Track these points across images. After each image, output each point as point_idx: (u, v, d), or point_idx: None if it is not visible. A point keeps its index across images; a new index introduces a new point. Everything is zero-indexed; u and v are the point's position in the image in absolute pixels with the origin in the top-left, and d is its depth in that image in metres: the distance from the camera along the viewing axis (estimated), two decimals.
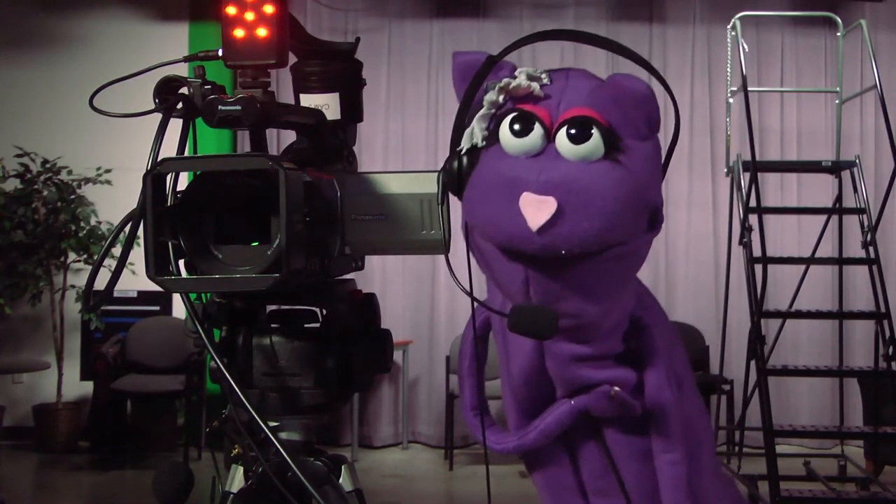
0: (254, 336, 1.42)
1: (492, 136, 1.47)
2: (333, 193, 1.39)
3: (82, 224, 6.29)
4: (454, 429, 6.22)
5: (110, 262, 1.30)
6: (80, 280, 6.39)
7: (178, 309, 6.58)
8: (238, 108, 1.24)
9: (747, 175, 4.89)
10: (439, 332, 6.72)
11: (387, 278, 6.72)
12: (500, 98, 1.48)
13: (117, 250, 1.27)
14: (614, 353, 1.61)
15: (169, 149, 1.24)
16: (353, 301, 1.48)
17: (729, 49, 5.44)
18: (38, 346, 6.62)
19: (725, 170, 5.60)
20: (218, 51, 1.32)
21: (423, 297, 6.79)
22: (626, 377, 1.60)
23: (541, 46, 6.21)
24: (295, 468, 1.21)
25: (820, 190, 6.27)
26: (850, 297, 5.98)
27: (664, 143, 1.54)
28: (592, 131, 1.42)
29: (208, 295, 1.39)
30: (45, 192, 6.31)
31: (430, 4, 6.94)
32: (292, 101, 1.50)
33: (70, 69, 6.53)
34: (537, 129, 1.44)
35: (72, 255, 6.32)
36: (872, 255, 4.87)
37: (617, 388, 1.57)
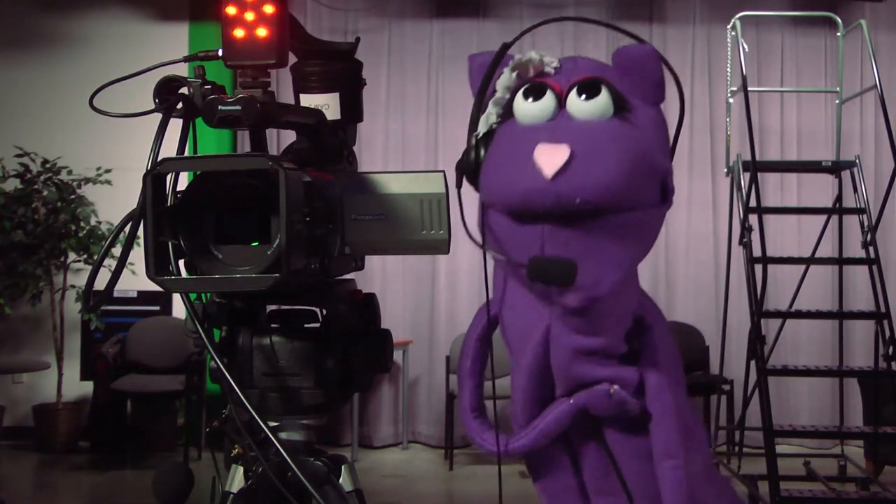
0: (254, 336, 1.42)
1: (506, 114, 1.51)
2: (333, 193, 1.39)
3: (82, 224, 6.29)
4: (454, 429, 6.22)
5: (110, 262, 1.30)
6: (80, 280, 6.38)
7: (178, 309, 6.58)
8: (238, 108, 1.24)
9: (747, 175, 4.89)
10: (439, 332, 6.72)
11: (387, 278, 6.72)
12: (514, 76, 1.52)
13: (117, 250, 1.27)
14: (619, 351, 1.61)
15: (169, 149, 1.24)
16: (353, 301, 1.48)
17: (729, 49, 5.44)
18: (38, 346, 6.62)
19: (725, 170, 5.59)
20: (218, 51, 1.32)
21: (423, 297, 6.79)
22: (627, 376, 1.60)
23: (542, 43, 6.21)
24: (295, 468, 1.21)
25: (820, 190, 6.27)
26: (850, 297, 5.98)
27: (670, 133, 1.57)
28: (602, 90, 1.46)
29: (208, 295, 1.39)
30: (45, 192, 6.31)
31: (430, 4, 6.94)
32: (292, 101, 1.50)
33: (70, 69, 6.53)
34: (549, 95, 1.48)
35: (72, 255, 6.32)
36: (872, 255, 4.87)
37: (616, 387, 1.58)
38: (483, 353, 1.75)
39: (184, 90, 1.28)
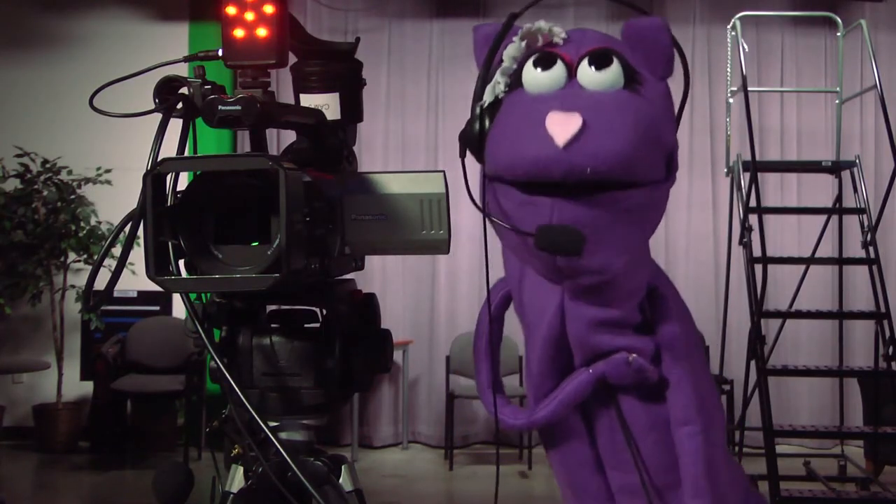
0: (254, 336, 1.42)
1: (514, 84, 1.50)
2: (333, 193, 1.39)
3: (82, 224, 6.29)
4: (454, 429, 6.23)
5: (110, 262, 1.30)
6: (80, 280, 6.38)
7: (178, 309, 6.58)
8: (238, 108, 1.24)
9: (747, 175, 4.89)
10: (439, 332, 6.72)
11: (387, 278, 6.72)
12: (523, 45, 1.51)
13: (117, 250, 1.27)
14: (634, 321, 1.61)
15: (169, 149, 1.24)
16: (353, 301, 1.48)
17: (729, 49, 5.44)
18: (38, 346, 6.62)
19: (725, 170, 5.59)
20: (218, 51, 1.32)
21: (423, 297, 6.79)
22: (643, 345, 1.60)
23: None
24: (295, 468, 1.21)
25: (820, 190, 6.27)
26: (850, 297, 5.98)
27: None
28: (612, 60, 1.46)
29: (208, 295, 1.39)
30: (45, 192, 6.31)
31: (430, 4, 6.94)
32: (292, 101, 1.50)
33: (70, 69, 6.53)
34: (559, 65, 1.48)
35: (72, 255, 6.32)
36: (872, 255, 4.87)
37: (634, 355, 1.57)
38: (496, 332, 1.75)
39: (184, 90, 1.28)
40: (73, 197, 6.36)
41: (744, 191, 4.96)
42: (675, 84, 1.60)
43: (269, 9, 1.28)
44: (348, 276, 1.51)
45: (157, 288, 1.23)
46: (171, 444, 6.30)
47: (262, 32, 1.29)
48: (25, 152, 6.33)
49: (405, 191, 1.41)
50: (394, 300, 6.63)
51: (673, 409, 1.63)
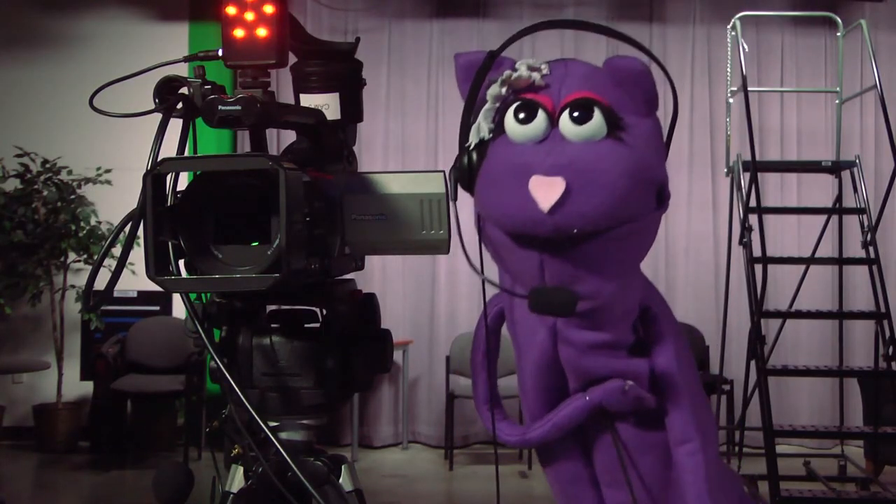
0: (254, 336, 1.42)
1: (498, 128, 1.51)
2: (333, 193, 1.39)
3: (82, 224, 6.29)
4: (454, 429, 6.23)
5: (110, 262, 1.30)
6: (80, 280, 6.38)
7: (178, 309, 6.58)
8: (238, 108, 1.24)
9: (747, 175, 4.89)
10: (439, 332, 6.72)
11: (387, 278, 6.72)
12: (503, 91, 1.51)
13: (117, 250, 1.27)
14: (627, 343, 1.61)
15: (169, 149, 1.24)
16: (353, 301, 1.48)
17: (729, 49, 5.44)
18: (38, 346, 6.62)
19: (725, 170, 5.59)
20: (218, 51, 1.32)
21: (423, 297, 6.79)
22: (638, 367, 1.60)
23: (541, 43, 6.22)
24: (295, 468, 1.21)
25: (820, 190, 6.27)
26: (850, 297, 5.98)
27: (664, 127, 1.56)
28: (594, 111, 1.45)
29: (208, 295, 1.39)
30: (45, 192, 6.31)
31: (430, 4, 6.94)
32: (292, 101, 1.50)
33: (70, 69, 6.53)
34: (541, 115, 1.47)
35: (72, 255, 6.32)
36: (872, 255, 4.87)
37: (630, 382, 1.57)
38: (493, 344, 1.75)
39: (184, 90, 1.28)
40: (73, 197, 6.36)
41: (744, 191, 4.96)
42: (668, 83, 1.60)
43: (269, 9, 1.28)
44: (348, 276, 1.51)
45: (157, 288, 1.23)
46: (171, 444, 6.30)
47: (262, 32, 1.29)
48: (25, 152, 6.33)
49: (405, 191, 1.41)
50: (394, 300, 6.63)
51: (671, 428, 1.63)
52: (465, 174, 1.50)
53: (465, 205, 1.58)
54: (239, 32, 1.29)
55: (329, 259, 1.38)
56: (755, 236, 4.69)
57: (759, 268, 4.62)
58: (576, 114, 1.46)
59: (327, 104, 1.49)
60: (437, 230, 1.41)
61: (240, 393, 1.25)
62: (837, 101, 5.41)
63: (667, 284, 6.60)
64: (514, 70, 1.53)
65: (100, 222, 6.36)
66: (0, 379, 6.60)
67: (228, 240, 1.26)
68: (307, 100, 1.50)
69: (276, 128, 1.43)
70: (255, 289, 1.23)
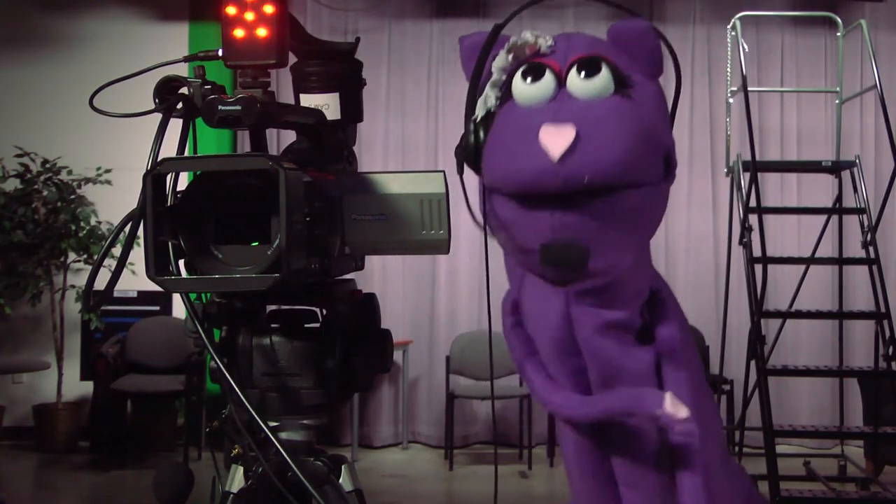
0: (254, 336, 1.42)
1: (505, 96, 1.50)
2: (333, 193, 1.39)
3: (82, 224, 6.29)
4: (454, 429, 6.23)
5: (110, 262, 1.30)
6: (80, 280, 6.38)
7: (178, 309, 6.58)
8: (238, 108, 1.24)
9: (747, 175, 4.89)
10: (439, 332, 6.72)
11: (387, 278, 6.72)
12: (510, 58, 1.51)
13: (117, 250, 1.27)
14: (637, 325, 1.61)
15: (169, 149, 1.24)
16: (353, 301, 1.48)
17: (729, 49, 5.44)
18: (38, 346, 6.62)
19: (725, 170, 5.59)
20: (218, 51, 1.32)
21: (423, 297, 6.79)
22: (645, 355, 1.60)
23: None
24: (295, 468, 1.21)
25: (820, 190, 6.27)
26: (850, 297, 5.98)
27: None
28: (601, 67, 1.46)
29: (208, 295, 1.39)
30: (45, 192, 6.32)
31: (430, 4, 6.94)
32: (292, 101, 1.50)
33: (70, 69, 6.53)
34: (548, 75, 1.48)
35: (72, 255, 6.32)
36: (872, 255, 4.87)
37: (664, 410, 1.55)
38: (524, 336, 1.73)
39: (184, 90, 1.28)
40: (73, 197, 6.36)
41: (744, 191, 4.96)
42: (669, 80, 1.61)
43: (269, 9, 1.28)
44: (348, 276, 1.51)
45: (157, 288, 1.23)
46: (171, 444, 6.30)
47: (262, 32, 1.29)
48: (25, 152, 6.33)
49: (405, 191, 1.41)
50: (394, 300, 6.63)
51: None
52: (471, 150, 1.50)
53: (456, 210, 1.59)
54: (239, 32, 1.29)
55: (329, 259, 1.38)
56: (755, 236, 4.69)
57: (759, 268, 4.62)
58: (583, 71, 1.47)
59: (327, 104, 1.49)
60: (437, 230, 1.41)
61: (240, 393, 1.25)
62: (837, 101, 5.41)
63: None
64: (520, 37, 1.54)
65: (100, 222, 6.36)
66: (0, 379, 6.60)
67: (228, 240, 1.26)
68: (307, 100, 1.50)
69: (276, 128, 1.43)
70: (255, 289, 1.23)
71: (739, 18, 5.17)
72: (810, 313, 5.23)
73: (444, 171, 1.42)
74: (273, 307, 1.47)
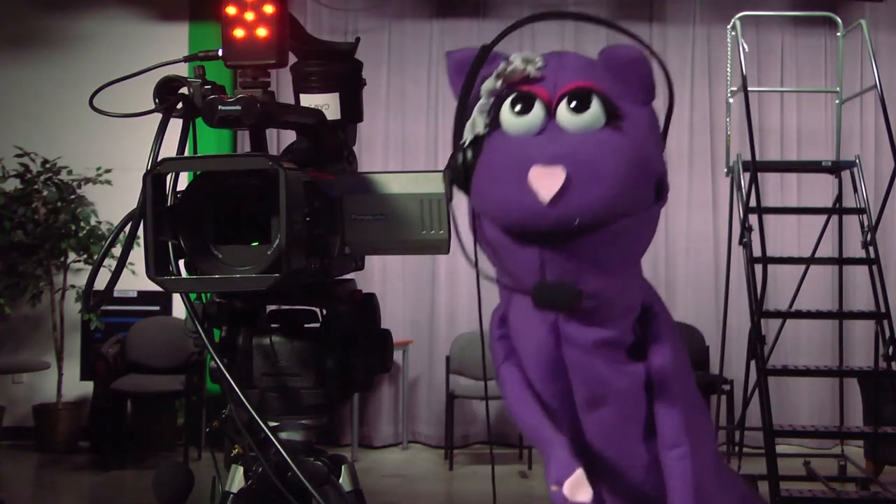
0: (254, 336, 1.42)
1: (493, 123, 1.49)
2: (333, 193, 1.39)
3: (82, 224, 6.29)
4: (454, 429, 6.23)
5: (110, 262, 1.30)
6: (80, 280, 6.38)
7: (178, 309, 6.58)
8: (238, 108, 1.24)
9: (747, 175, 4.89)
10: (439, 332, 6.72)
11: (387, 278, 6.72)
12: (498, 84, 1.50)
13: (117, 250, 1.27)
14: (628, 342, 1.60)
15: (169, 149, 1.24)
16: (353, 301, 1.48)
17: (729, 49, 5.44)
18: (38, 346, 6.62)
19: (725, 170, 5.59)
20: (218, 51, 1.32)
21: (423, 297, 6.79)
22: (636, 371, 1.59)
23: (540, 42, 6.21)
24: (295, 468, 1.21)
25: (820, 190, 6.27)
26: (850, 297, 5.98)
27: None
28: (592, 100, 1.44)
29: (208, 295, 1.39)
30: (45, 192, 6.32)
31: (430, 4, 6.94)
32: (292, 101, 1.50)
33: (70, 69, 6.53)
34: (537, 106, 1.46)
35: (72, 255, 6.32)
36: (872, 255, 4.87)
37: (562, 490, 1.55)
38: (508, 348, 1.73)
39: (184, 90, 1.28)
40: (73, 197, 6.36)
41: (744, 191, 4.96)
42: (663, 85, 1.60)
43: (269, 9, 1.28)
44: (348, 276, 1.51)
45: (157, 288, 1.23)
46: (171, 444, 6.30)
47: (262, 32, 1.29)
48: (25, 152, 6.33)
49: (405, 191, 1.41)
50: (394, 300, 6.63)
51: (661, 431, 1.62)
52: (460, 173, 1.49)
53: (462, 205, 1.58)
54: (239, 32, 1.29)
55: (329, 259, 1.37)
56: (755, 236, 4.69)
57: (759, 268, 4.62)
58: (573, 103, 1.45)
59: (327, 104, 1.49)
60: (437, 230, 1.41)
61: (240, 393, 1.25)
62: (837, 101, 5.41)
63: (667, 284, 6.60)
64: (509, 62, 1.52)
65: (100, 222, 6.36)
66: (0, 379, 6.60)
67: (228, 240, 1.26)
68: (307, 100, 1.50)
69: (276, 128, 1.43)
70: (255, 289, 1.23)
71: (739, 18, 5.17)
72: (810, 313, 5.23)
73: (444, 171, 1.42)
74: (273, 307, 1.47)
